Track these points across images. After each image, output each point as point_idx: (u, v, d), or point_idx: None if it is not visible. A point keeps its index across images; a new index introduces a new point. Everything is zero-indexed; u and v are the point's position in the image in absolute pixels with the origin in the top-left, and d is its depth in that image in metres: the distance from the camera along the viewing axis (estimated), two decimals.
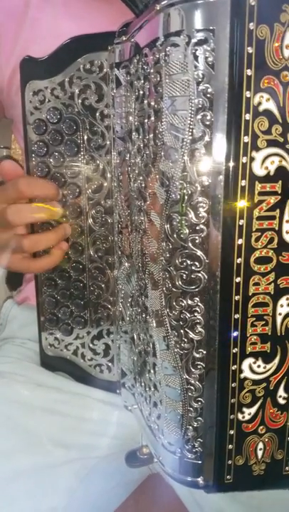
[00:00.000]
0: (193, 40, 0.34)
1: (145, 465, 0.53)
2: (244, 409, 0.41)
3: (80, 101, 0.53)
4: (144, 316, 0.46)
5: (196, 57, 0.34)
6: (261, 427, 0.42)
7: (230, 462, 0.42)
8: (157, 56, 0.37)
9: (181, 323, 0.40)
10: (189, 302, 0.39)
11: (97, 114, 0.52)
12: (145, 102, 0.40)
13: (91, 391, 0.62)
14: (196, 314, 0.39)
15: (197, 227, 0.37)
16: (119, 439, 0.62)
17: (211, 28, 0.33)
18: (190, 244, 0.38)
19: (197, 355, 0.40)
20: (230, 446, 0.41)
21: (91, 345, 0.60)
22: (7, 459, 0.55)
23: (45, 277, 0.60)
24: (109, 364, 0.60)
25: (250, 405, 0.41)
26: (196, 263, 0.38)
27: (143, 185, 0.43)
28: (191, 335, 0.39)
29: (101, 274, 0.57)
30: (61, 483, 0.57)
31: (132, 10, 0.50)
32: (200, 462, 0.42)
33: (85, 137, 0.54)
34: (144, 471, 0.66)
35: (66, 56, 0.52)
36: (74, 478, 0.58)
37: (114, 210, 0.54)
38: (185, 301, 0.39)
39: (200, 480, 0.43)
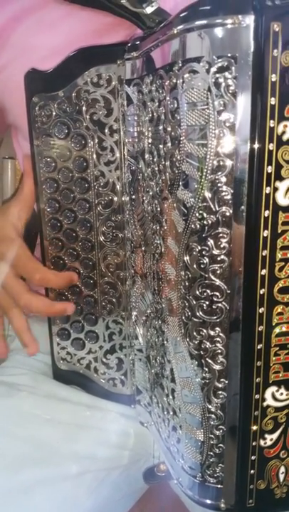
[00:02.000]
0: (214, 68, 0.33)
1: (163, 482, 0.53)
2: (266, 435, 0.40)
3: (88, 116, 0.51)
4: (160, 339, 0.46)
5: (217, 85, 0.33)
6: (283, 452, 0.41)
7: (252, 487, 0.42)
8: (174, 81, 0.36)
9: (201, 352, 0.39)
10: (210, 332, 0.38)
11: (106, 129, 0.51)
12: (160, 127, 0.39)
13: (103, 403, 0.61)
14: (217, 344, 0.38)
15: (218, 258, 0.36)
16: (131, 450, 0.62)
17: (234, 54, 0.32)
18: (210, 275, 0.37)
19: (219, 385, 0.39)
20: (252, 472, 0.41)
21: (104, 359, 0.60)
22: (19, 470, 0.55)
23: (56, 293, 0.59)
24: (123, 378, 0.59)
25: (272, 431, 0.40)
26: (217, 293, 0.37)
27: (158, 209, 0.42)
28: (213, 365, 0.39)
29: (112, 289, 0.57)
30: (71, 495, 0.58)
31: (139, 26, 0.48)
32: (221, 486, 0.42)
33: (94, 153, 0.52)
34: None
35: (73, 68, 0.50)
36: (84, 490, 0.59)
37: (125, 226, 0.53)
38: (205, 331, 0.38)
39: (221, 504, 0.43)
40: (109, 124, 0.51)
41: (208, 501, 0.43)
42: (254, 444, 0.40)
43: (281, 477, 0.42)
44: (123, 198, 0.52)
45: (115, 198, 0.53)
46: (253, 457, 0.41)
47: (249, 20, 0.31)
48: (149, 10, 0.46)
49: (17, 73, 0.54)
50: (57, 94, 0.52)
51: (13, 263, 0.57)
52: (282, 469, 0.42)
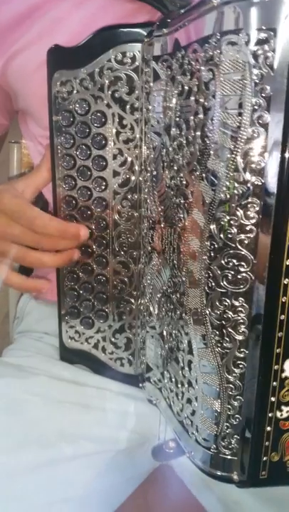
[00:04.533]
0: (253, 40, 0.33)
1: (173, 459, 0.53)
2: (283, 407, 0.41)
3: (109, 93, 0.52)
4: (178, 313, 0.46)
5: (255, 57, 0.34)
6: None
7: (265, 459, 0.42)
8: (210, 53, 0.36)
9: (223, 322, 0.40)
10: (234, 302, 0.39)
11: (128, 106, 0.51)
12: (192, 98, 0.40)
13: (109, 383, 0.62)
14: (240, 314, 0.39)
15: (246, 228, 0.37)
16: (137, 432, 0.62)
17: (273, 27, 0.33)
18: (238, 245, 0.38)
19: (239, 355, 0.40)
20: (266, 443, 0.42)
21: (112, 338, 0.60)
22: (23, 451, 0.55)
23: (68, 271, 0.59)
24: (130, 358, 0.60)
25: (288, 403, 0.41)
26: (244, 263, 0.38)
27: (184, 182, 0.43)
28: (234, 335, 0.40)
29: (125, 269, 0.57)
30: (76, 476, 0.58)
31: (160, 10, 0.49)
32: (236, 458, 0.43)
33: (114, 130, 0.53)
34: (152, 463, 0.67)
35: (98, 45, 0.51)
36: (90, 471, 0.59)
37: (143, 205, 0.53)
38: (229, 301, 0.39)
39: (234, 475, 0.43)
40: (131, 102, 0.51)
41: (221, 473, 0.44)
42: (270, 415, 0.41)
43: None
44: (140, 178, 0.53)
45: (133, 177, 0.54)
46: (268, 428, 0.41)
47: None
48: None
49: (37, 56, 0.55)
50: (79, 70, 0.52)
51: (11, 210, 0.53)
52: None
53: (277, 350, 0.39)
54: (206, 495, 0.63)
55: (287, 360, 0.40)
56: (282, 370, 0.40)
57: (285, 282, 0.37)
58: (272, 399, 0.40)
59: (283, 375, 0.40)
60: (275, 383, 0.40)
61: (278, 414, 0.41)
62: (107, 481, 0.61)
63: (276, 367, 0.40)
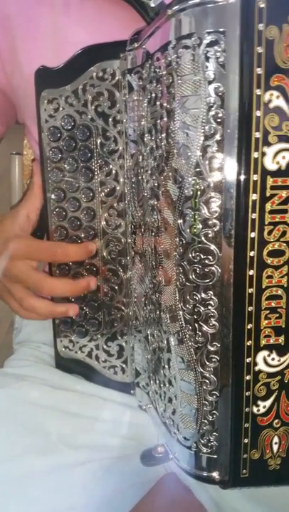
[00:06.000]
0: (205, 42, 0.36)
1: (160, 463, 0.53)
2: (259, 402, 0.41)
3: (93, 107, 0.55)
4: (157, 312, 0.47)
5: (207, 58, 0.36)
6: (276, 421, 0.42)
7: (245, 456, 0.42)
8: (169, 59, 0.39)
9: (195, 316, 0.40)
10: (203, 296, 0.40)
11: (110, 119, 0.54)
12: (158, 103, 0.42)
13: (105, 392, 0.62)
14: (209, 307, 0.40)
15: (210, 222, 0.38)
16: (134, 440, 0.62)
17: (222, 30, 0.35)
18: (203, 239, 0.39)
19: (211, 349, 0.40)
20: (245, 440, 0.42)
21: (105, 346, 0.61)
22: (24, 459, 0.56)
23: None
24: (123, 365, 0.60)
25: (264, 398, 0.41)
26: (210, 257, 0.39)
27: (156, 184, 0.44)
28: (205, 328, 0.40)
29: (114, 276, 0.58)
30: (78, 482, 0.58)
31: (144, 18, 0.52)
32: (215, 456, 0.43)
33: (98, 142, 0.55)
34: (159, 470, 0.67)
35: (80, 65, 0.54)
36: (91, 477, 0.59)
37: (127, 211, 0.55)
38: (199, 295, 0.40)
39: (216, 475, 0.43)
40: (113, 115, 0.54)
41: (204, 473, 0.44)
42: (247, 410, 0.41)
43: (275, 447, 0.42)
44: (125, 187, 0.55)
45: (118, 187, 0.56)
46: (246, 424, 0.41)
47: None
48: (153, 3, 0.50)
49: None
50: (64, 89, 0.55)
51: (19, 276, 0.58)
52: (276, 439, 0.42)
53: (248, 343, 0.39)
54: (210, 505, 0.62)
55: (259, 352, 0.40)
56: (255, 364, 0.40)
57: (251, 274, 0.38)
58: (247, 393, 0.40)
59: (256, 368, 0.40)
60: (248, 377, 0.40)
61: (255, 409, 0.41)
62: (109, 488, 0.60)
63: (248, 360, 0.40)
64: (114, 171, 0.56)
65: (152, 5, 0.50)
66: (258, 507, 0.54)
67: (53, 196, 0.59)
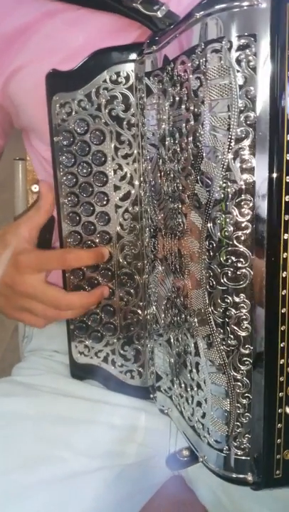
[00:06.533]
0: (235, 45, 0.36)
1: (187, 467, 0.53)
2: None
3: (106, 111, 0.54)
4: (183, 316, 0.47)
5: (238, 62, 0.36)
6: None
7: (278, 457, 0.42)
8: (197, 62, 0.39)
9: (226, 320, 0.40)
10: (235, 299, 0.40)
11: (124, 123, 0.54)
12: (183, 107, 0.42)
13: (118, 398, 0.62)
14: (242, 310, 0.40)
15: (242, 225, 0.38)
16: (146, 445, 0.62)
17: (253, 33, 0.35)
18: (235, 242, 0.39)
19: (244, 352, 0.40)
20: (278, 441, 0.42)
21: (121, 351, 0.60)
22: (34, 467, 0.56)
23: (74, 285, 0.60)
24: (140, 369, 0.60)
25: None
26: (242, 259, 0.39)
27: (180, 187, 0.44)
28: (238, 331, 0.40)
29: (130, 280, 0.58)
30: (89, 490, 0.57)
31: (151, 28, 0.52)
32: (248, 458, 0.43)
33: (113, 146, 0.55)
34: (164, 475, 0.67)
35: (92, 68, 0.54)
36: (102, 484, 0.59)
37: (143, 215, 0.55)
38: (230, 298, 0.40)
39: (248, 477, 0.43)
40: (127, 119, 0.54)
41: (236, 475, 0.44)
42: (280, 411, 0.41)
43: None
44: (140, 190, 0.55)
45: (133, 190, 0.55)
46: (279, 425, 0.41)
47: (267, 2, 0.35)
48: (160, 13, 0.50)
49: (35, 74, 0.57)
50: (77, 92, 0.55)
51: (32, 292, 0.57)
52: None
53: (282, 345, 0.40)
54: (217, 507, 0.62)
55: None
56: (288, 365, 0.40)
57: (284, 275, 0.38)
58: (280, 394, 0.41)
59: None
60: (281, 378, 0.40)
61: (287, 409, 0.41)
62: (119, 494, 0.60)
63: (282, 361, 0.40)
64: (128, 175, 0.55)
65: (159, 15, 0.51)
66: (265, 509, 0.55)
67: (66, 201, 0.58)
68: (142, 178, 0.54)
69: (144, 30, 0.56)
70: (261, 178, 0.37)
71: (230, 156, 0.37)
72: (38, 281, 0.56)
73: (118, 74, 0.53)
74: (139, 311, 0.59)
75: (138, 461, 0.62)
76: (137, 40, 0.55)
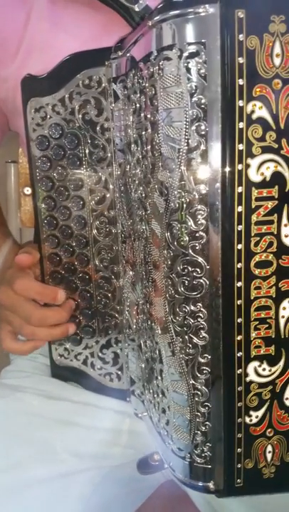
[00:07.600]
0: (185, 54, 0.35)
1: (157, 471, 0.53)
2: (251, 412, 0.41)
3: (80, 116, 0.54)
4: (149, 323, 0.47)
5: (188, 70, 0.35)
6: (269, 430, 0.42)
7: (239, 466, 0.42)
8: (151, 70, 0.38)
9: (185, 328, 0.40)
10: (192, 308, 0.39)
11: (98, 127, 0.54)
12: (142, 114, 0.41)
13: (102, 400, 0.62)
14: (199, 320, 0.39)
15: (197, 234, 0.38)
16: (132, 447, 0.62)
17: (202, 41, 0.34)
18: (190, 251, 0.38)
19: (202, 360, 0.40)
20: (238, 450, 0.42)
21: (100, 354, 0.61)
22: (22, 468, 0.56)
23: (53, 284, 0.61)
24: (119, 372, 0.60)
25: (257, 408, 0.41)
26: (198, 269, 0.39)
27: (143, 195, 0.44)
28: (196, 340, 0.40)
29: (107, 284, 0.58)
30: (75, 491, 0.58)
31: (129, 23, 0.51)
32: (210, 467, 0.43)
33: (87, 151, 0.55)
34: (158, 477, 0.67)
35: (65, 73, 0.54)
36: (88, 486, 0.59)
37: (117, 220, 0.55)
38: (188, 307, 0.40)
39: (210, 485, 0.43)
40: (101, 123, 0.53)
41: (199, 483, 0.44)
42: (239, 420, 0.41)
43: (268, 456, 0.42)
44: (116, 194, 0.55)
45: (108, 194, 0.55)
46: (239, 435, 0.41)
47: (215, 8, 0.34)
48: (138, 7, 0.50)
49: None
50: (51, 97, 0.55)
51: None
52: (269, 448, 0.42)
53: (239, 354, 0.39)
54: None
55: (250, 363, 0.40)
56: (246, 374, 0.40)
57: (239, 285, 0.38)
58: (239, 404, 0.40)
59: (248, 379, 0.40)
60: (240, 388, 0.40)
61: (247, 419, 0.41)
62: (106, 495, 0.61)
63: (239, 371, 0.40)
64: (103, 179, 0.55)
65: (136, 9, 0.50)
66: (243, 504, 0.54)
67: (43, 205, 0.58)
68: (115, 183, 0.54)
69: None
70: (214, 188, 0.36)
71: (183, 166, 0.37)
72: (18, 296, 0.57)
73: (90, 78, 0.53)
74: (117, 315, 0.59)
75: (125, 462, 0.62)
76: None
